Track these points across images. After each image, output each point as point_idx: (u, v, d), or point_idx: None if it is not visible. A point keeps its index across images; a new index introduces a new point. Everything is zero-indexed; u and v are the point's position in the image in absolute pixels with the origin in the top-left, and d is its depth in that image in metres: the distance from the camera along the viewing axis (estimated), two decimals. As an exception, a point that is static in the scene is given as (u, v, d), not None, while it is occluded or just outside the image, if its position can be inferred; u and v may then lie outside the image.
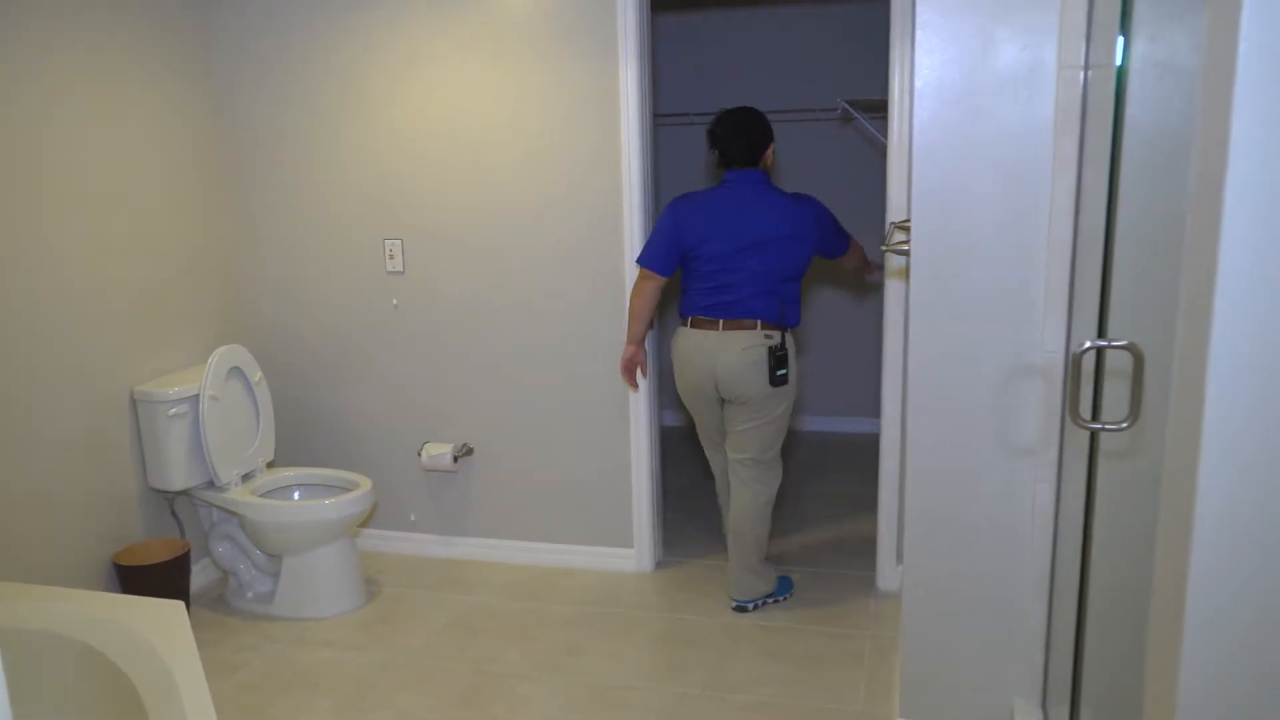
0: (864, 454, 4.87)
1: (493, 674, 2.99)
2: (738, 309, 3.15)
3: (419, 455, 3.77)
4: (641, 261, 3.24)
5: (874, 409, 4.93)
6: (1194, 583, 1.05)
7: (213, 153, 3.70)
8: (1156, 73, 1.71)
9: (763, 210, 3.14)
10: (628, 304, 3.36)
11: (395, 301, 3.71)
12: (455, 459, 3.70)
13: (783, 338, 3.17)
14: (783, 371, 3.16)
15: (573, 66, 3.38)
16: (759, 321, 3.15)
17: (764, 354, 3.13)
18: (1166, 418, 1.50)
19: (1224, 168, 0.95)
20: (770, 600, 3.39)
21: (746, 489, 3.29)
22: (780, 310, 3.17)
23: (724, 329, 3.16)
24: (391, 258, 3.68)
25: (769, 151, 3.21)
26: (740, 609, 3.35)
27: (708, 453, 3.51)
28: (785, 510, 4.25)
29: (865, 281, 5.12)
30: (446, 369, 3.73)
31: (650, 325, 3.41)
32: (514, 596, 3.51)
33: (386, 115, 3.57)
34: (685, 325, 3.26)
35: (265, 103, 3.68)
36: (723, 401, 3.27)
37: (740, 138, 3.16)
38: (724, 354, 3.15)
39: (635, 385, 3.50)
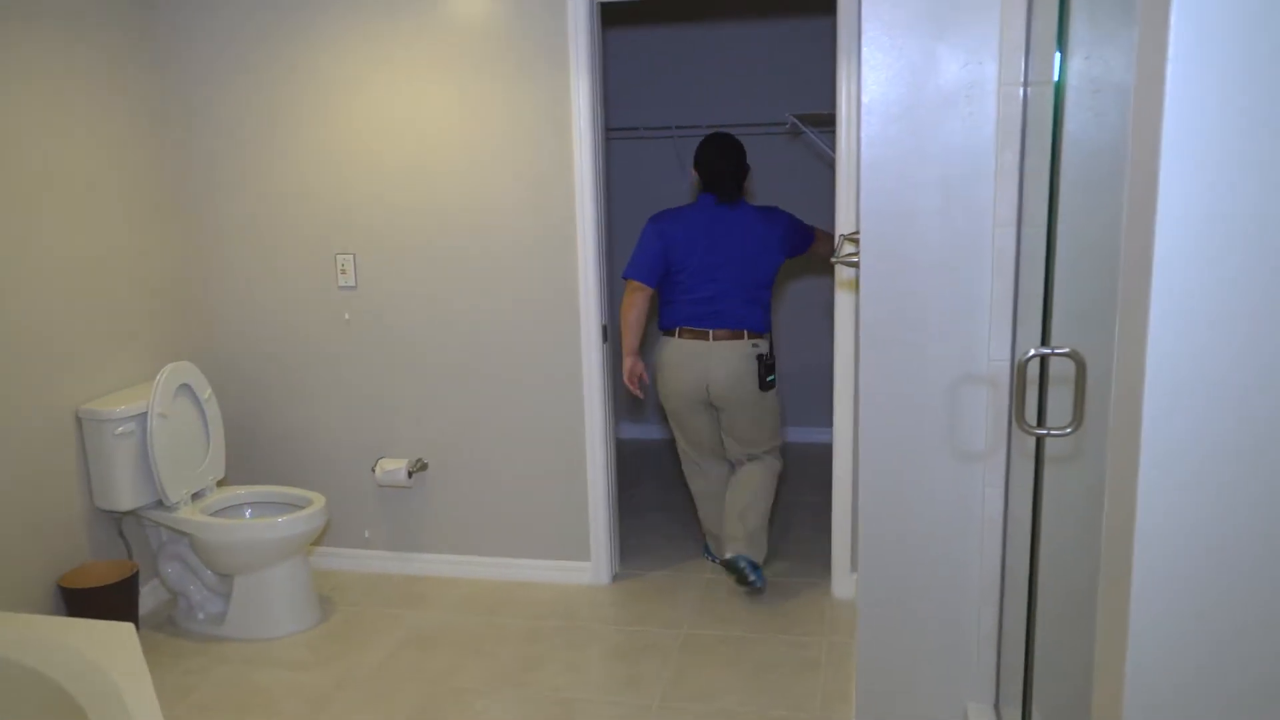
0: (816, 463, 4.92)
1: (450, 690, 2.97)
2: (726, 319, 3.41)
3: (373, 471, 3.74)
4: (630, 275, 3.44)
5: (825, 419, 4.99)
6: (1137, 584, 1.09)
7: (159, 167, 3.65)
8: (1092, 89, 1.77)
9: (740, 225, 3.43)
10: (622, 318, 3.48)
11: (347, 316, 3.69)
12: (410, 474, 3.68)
13: (770, 346, 3.46)
14: (771, 378, 3.45)
15: (525, 81, 3.39)
16: (745, 331, 3.42)
17: (755, 363, 3.42)
18: (1107, 422, 1.55)
19: (1155, 181, 0.99)
20: (753, 574, 3.50)
21: (759, 463, 3.59)
22: (762, 317, 3.45)
23: (714, 339, 3.42)
24: (343, 272, 3.66)
25: (747, 182, 3.55)
26: (731, 564, 3.46)
27: (698, 465, 3.68)
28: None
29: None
30: (400, 384, 3.71)
31: (643, 336, 3.57)
32: (470, 612, 3.50)
33: (338, 130, 3.56)
34: (673, 335, 3.48)
35: (214, 117, 3.64)
36: (713, 407, 3.52)
37: (732, 180, 3.47)
38: (716, 361, 3.42)
39: (641, 394, 3.59)
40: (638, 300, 3.45)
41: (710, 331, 3.42)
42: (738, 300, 3.42)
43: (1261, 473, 1.06)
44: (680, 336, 3.45)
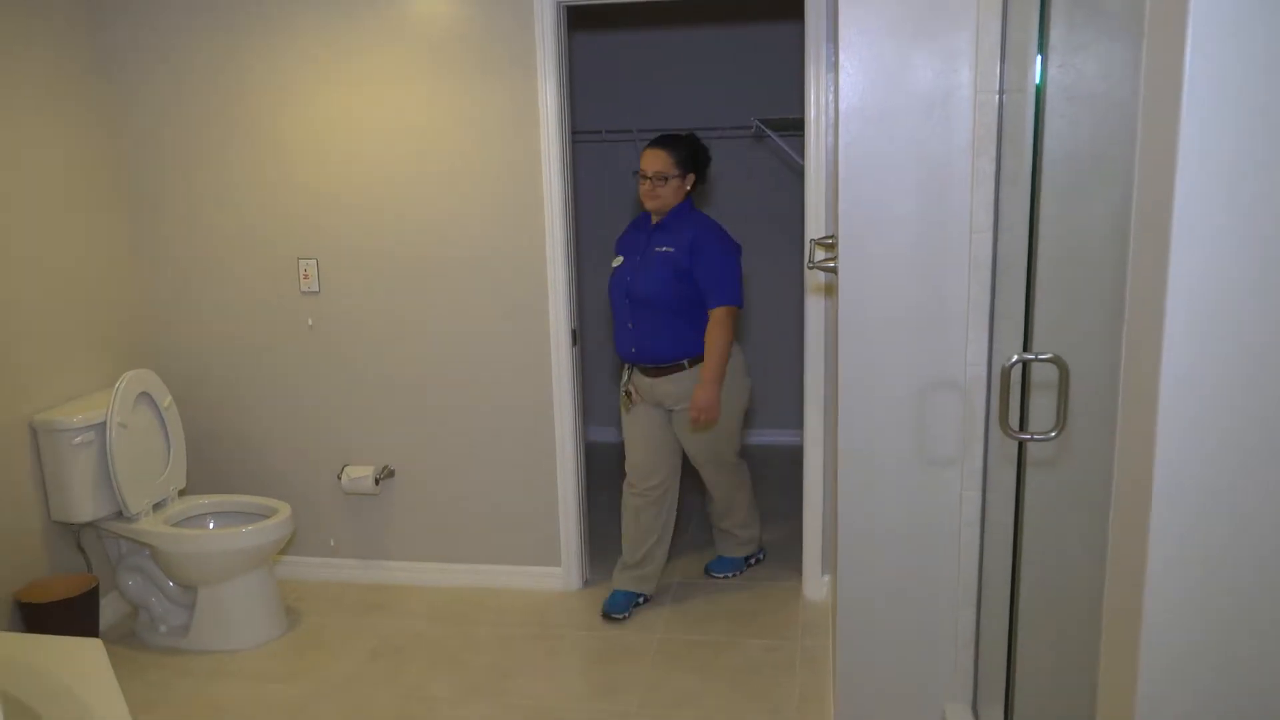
0: (784, 465, 4.94)
1: (423, 700, 2.94)
2: None
3: (339, 478, 3.68)
4: (738, 301, 3.27)
5: (794, 421, 5.01)
6: (1150, 592, 1.10)
7: (117, 168, 3.56)
8: (1065, 96, 1.80)
9: None
10: (723, 348, 3.23)
11: (310, 322, 3.63)
12: (376, 481, 3.63)
13: None
14: None
15: (491, 84, 3.36)
16: None
17: None
18: (1093, 427, 1.57)
19: (1171, 188, 1.00)
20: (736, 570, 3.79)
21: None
22: None
23: None
24: (306, 277, 3.60)
25: None
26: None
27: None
28: (708, 523, 4.28)
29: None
30: (365, 390, 3.65)
31: None
32: (441, 620, 3.46)
33: (300, 133, 3.50)
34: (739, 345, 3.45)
35: (172, 119, 3.56)
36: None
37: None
38: None
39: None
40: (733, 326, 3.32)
41: None
42: None
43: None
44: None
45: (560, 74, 3.33)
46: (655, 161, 3.24)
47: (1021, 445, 2.00)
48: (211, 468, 3.79)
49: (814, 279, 3.31)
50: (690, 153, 3.30)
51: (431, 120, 3.42)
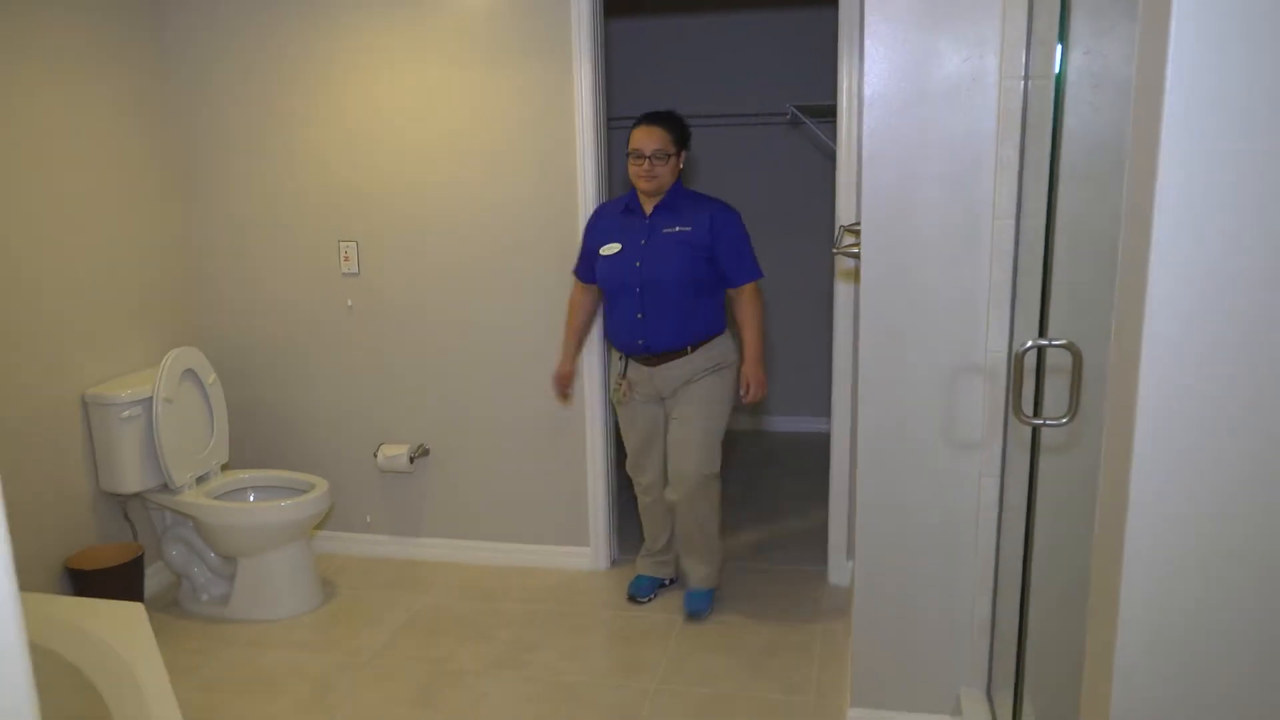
0: (812, 452, 4.96)
1: (452, 672, 3.02)
2: None
3: (375, 456, 3.77)
4: (762, 274, 3.20)
5: (823, 408, 5.02)
6: (1128, 571, 1.12)
7: (167, 154, 3.67)
8: (1091, 83, 1.80)
9: None
10: (759, 322, 3.18)
11: (350, 303, 3.72)
12: (411, 460, 3.72)
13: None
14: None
15: (527, 71, 3.41)
16: None
17: None
18: (1102, 412, 1.59)
19: (1154, 176, 1.02)
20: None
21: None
22: None
23: None
24: (346, 259, 3.68)
25: None
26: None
27: None
28: (737, 508, 4.32)
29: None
30: (402, 370, 3.74)
31: None
32: (471, 596, 3.54)
33: (342, 119, 3.58)
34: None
35: (220, 105, 3.66)
36: None
37: None
38: None
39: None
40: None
41: None
42: None
43: (1256, 463, 1.09)
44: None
45: (595, 59, 3.37)
46: (654, 139, 3.06)
47: (1035, 431, 2.02)
48: (253, 443, 3.90)
49: (843, 265, 3.33)
50: (681, 129, 3.16)
51: (469, 106, 3.48)
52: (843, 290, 3.36)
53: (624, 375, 3.26)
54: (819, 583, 3.59)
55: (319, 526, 3.91)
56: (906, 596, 2.52)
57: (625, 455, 3.45)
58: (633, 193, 3.19)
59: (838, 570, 3.58)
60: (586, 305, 3.39)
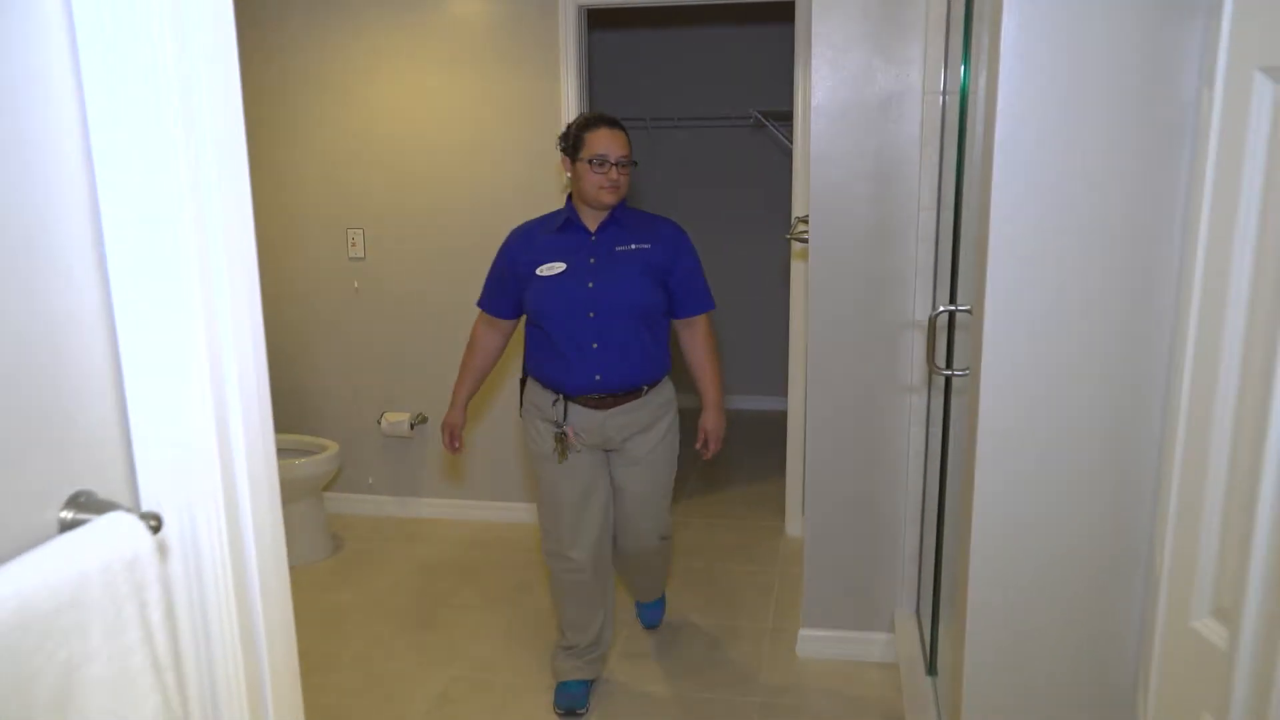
0: (770, 429, 5.41)
1: (452, 607, 3.43)
2: None
3: (378, 423, 4.17)
4: (714, 305, 2.82)
5: (779, 388, 5.47)
6: (979, 485, 1.57)
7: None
8: (976, 97, 2.25)
9: None
10: (718, 360, 2.84)
11: (356, 284, 4.11)
12: (412, 426, 4.12)
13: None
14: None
15: (520, 76, 3.83)
16: None
17: None
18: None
19: (990, 175, 1.47)
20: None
21: None
22: None
23: None
24: (353, 245, 4.08)
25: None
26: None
27: None
28: (698, 479, 4.76)
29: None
30: (403, 345, 4.14)
31: None
32: (468, 546, 3.95)
33: (351, 117, 3.97)
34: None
35: (246, 101, 4.03)
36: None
37: None
38: None
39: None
40: None
41: None
42: None
43: (1071, 403, 1.53)
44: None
45: (580, 68, 3.80)
46: (619, 143, 2.57)
47: (948, 381, 2.47)
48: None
49: (797, 249, 3.77)
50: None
51: (467, 109, 3.89)
52: (798, 270, 3.81)
53: (564, 421, 2.68)
54: (777, 535, 4.03)
55: (326, 487, 4.30)
56: (849, 531, 2.97)
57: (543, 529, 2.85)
58: (566, 209, 2.69)
59: (793, 524, 4.02)
60: (492, 344, 2.83)
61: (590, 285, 2.59)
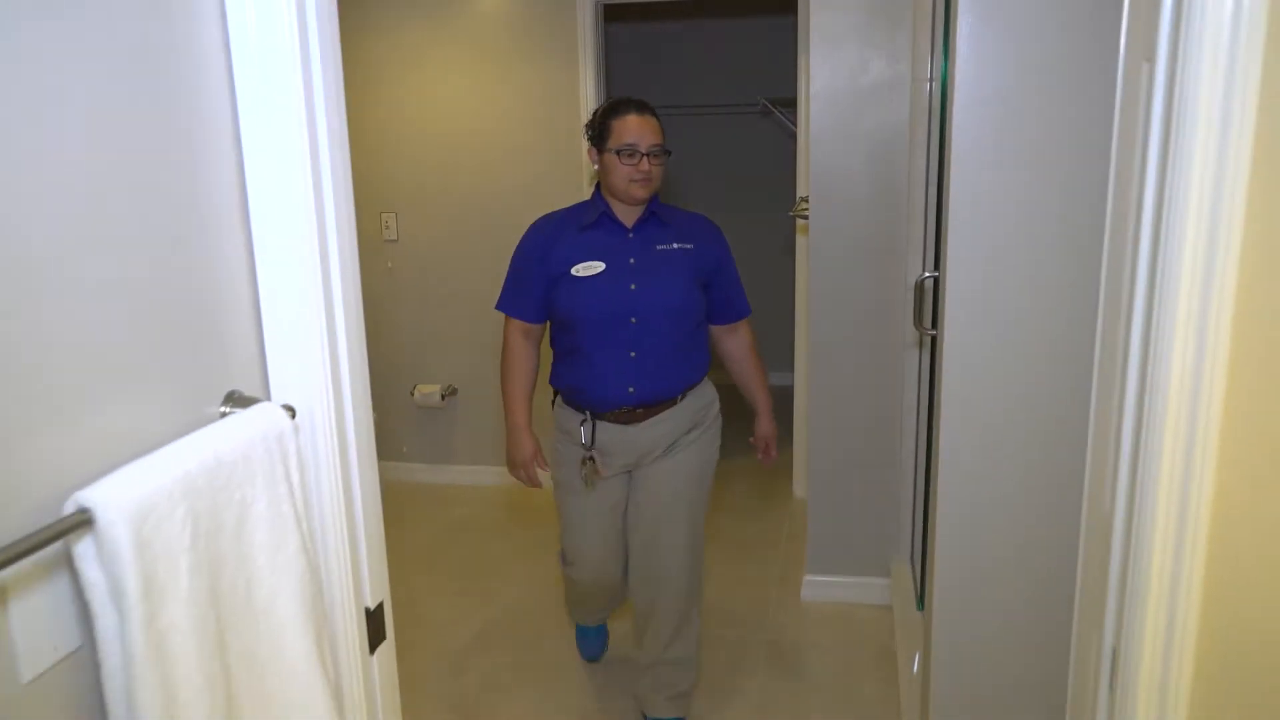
0: (776, 401, 5.66)
1: (486, 558, 3.72)
2: None
3: (411, 395, 4.46)
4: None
5: (786, 363, 5.73)
6: (943, 441, 1.82)
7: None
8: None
9: None
10: (762, 365, 2.84)
11: (390, 265, 4.40)
12: (443, 397, 4.41)
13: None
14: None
15: (542, 68, 4.10)
16: None
17: None
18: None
19: (949, 154, 1.73)
20: None
21: None
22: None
23: None
24: (387, 228, 4.36)
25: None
26: None
27: None
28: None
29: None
30: (434, 322, 4.43)
31: None
32: (496, 509, 4.24)
33: (383, 108, 4.25)
34: None
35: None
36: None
37: None
38: None
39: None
40: None
41: None
42: None
43: (1030, 363, 1.78)
44: None
45: (598, 60, 4.06)
46: (652, 131, 2.34)
47: (933, 341, 2.73)
48: (306, 386, 4.57)
49: (800, 224, 4.03)
50: None
51: (492, 101, 4.16)
52: (802, 247, 4.07)
53: (592, 444, 2.44)
54: (787, 498, 4.30)
55: (363, 456, 4.59)
56: (849, 483, 3.24)
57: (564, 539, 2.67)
58: (596, 201, 2.45)
59: (800, 485, 4.29)
60: (533, 358, 2.55)
61: (633, 288, 2.35)
